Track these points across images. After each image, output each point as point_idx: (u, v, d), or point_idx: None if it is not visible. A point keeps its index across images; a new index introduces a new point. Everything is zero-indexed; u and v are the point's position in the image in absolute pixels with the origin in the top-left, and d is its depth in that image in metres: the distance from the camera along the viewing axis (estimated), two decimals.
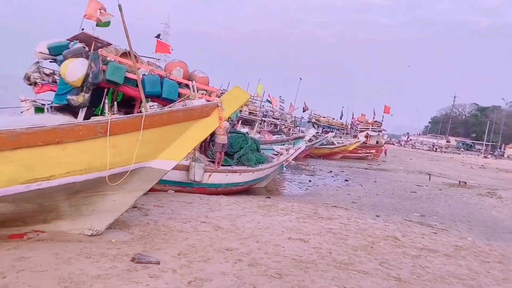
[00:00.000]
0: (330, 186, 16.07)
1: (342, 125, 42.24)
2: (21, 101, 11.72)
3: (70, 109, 8.90)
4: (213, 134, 9.90)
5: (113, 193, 4.96)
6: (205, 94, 10.39)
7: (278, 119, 30.39)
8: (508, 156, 68.18)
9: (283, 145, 17.26)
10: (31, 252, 4.10)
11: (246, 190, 11.64)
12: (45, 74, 12.25)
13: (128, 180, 4.96)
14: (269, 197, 10.92)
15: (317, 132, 32.03)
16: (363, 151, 34.50)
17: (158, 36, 17.67)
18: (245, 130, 17.54)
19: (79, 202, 4.80)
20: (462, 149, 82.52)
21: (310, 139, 22.22)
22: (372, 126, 37.71)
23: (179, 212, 6.90)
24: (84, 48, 9.05)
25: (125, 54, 9.57)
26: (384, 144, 39.92)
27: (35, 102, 11.63)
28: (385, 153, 40.35)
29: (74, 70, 8.53)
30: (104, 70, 8.85)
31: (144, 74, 9.56)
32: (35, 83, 11.97)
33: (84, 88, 8.72)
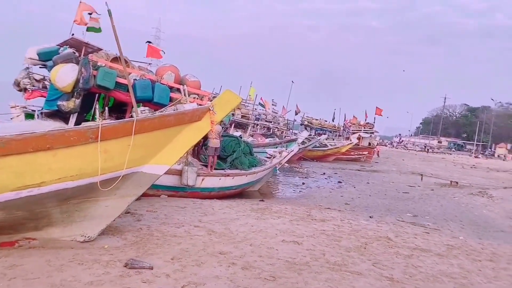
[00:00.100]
0: (324, 188, 16.11)
1: (335, 127, 42.43)
2: (11, 107, 11.63)
3: (60, 115, 8.83)
4: (205, 138, 9.90)
5: (105, 198, 4.93)
6: (197, 98, 10.37)
7: (271, 122, 30.46)
8: (498, 156, 69.00)
9: (276, 148, 17.32)
10: (22, 259, 4.07)
11: (239, 193, 11.64)
12: (35, 80, 12.20)
13: (120, 186, 4.93)
14: (262, 200, 10.92)
15: (310, 135, 32.12)
16: (356, 153, 34.67)
17: (149, 42, 17.62)
18: (238, 133, 17.56)
19: (71, 209, 4.76)
20: (454, 150, 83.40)
21: (303, 141, 22.27)
22: (364, 128, 38.00)
23: (172, 216, 6.88)
24: (74, 53, 8.99)
25: (116, 59, 9.52)
26: (377, 145, 40.13)
27: (25, 108, 11.56)
28: (378, 155, 40.59)
29: (64, 75, 8.46)
30: (94, 75, 8.79)
31: (135, 79, 9.53)
32: (25, 89, 11.91)
33: (75, 94, 8.64)
